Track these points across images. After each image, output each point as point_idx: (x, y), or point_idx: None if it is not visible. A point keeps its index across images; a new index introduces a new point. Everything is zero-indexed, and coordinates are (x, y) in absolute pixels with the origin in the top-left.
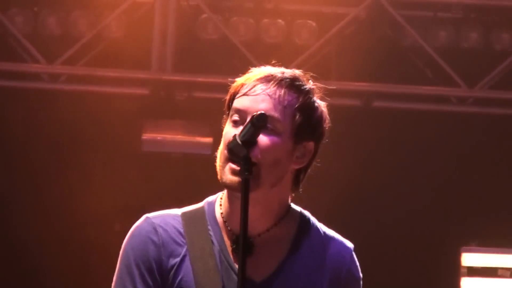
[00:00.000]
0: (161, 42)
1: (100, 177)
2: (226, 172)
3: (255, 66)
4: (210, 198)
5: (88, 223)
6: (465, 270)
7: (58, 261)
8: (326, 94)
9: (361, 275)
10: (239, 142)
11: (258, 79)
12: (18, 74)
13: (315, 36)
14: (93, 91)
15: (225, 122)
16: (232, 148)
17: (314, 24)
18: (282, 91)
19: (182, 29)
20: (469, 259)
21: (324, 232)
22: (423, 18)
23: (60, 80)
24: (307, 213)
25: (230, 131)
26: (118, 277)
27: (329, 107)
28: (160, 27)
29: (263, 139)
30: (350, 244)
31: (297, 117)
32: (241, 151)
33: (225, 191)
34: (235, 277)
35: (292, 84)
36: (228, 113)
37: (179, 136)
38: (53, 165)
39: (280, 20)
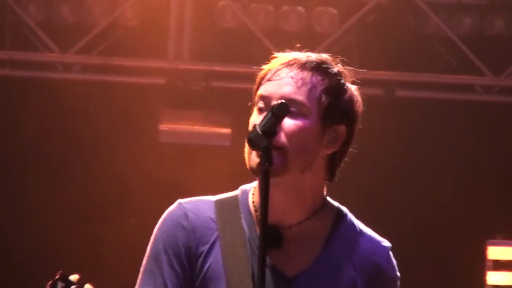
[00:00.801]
0: (177, 30)
1: (117, 169)
2: (252, 157)
3: (274, 54)
4: (245, 186)
5: (104, 215)
6: (491, 264)
7: (72, 254)
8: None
9: (398, 274)
10: (259, 132)
11: (282, 64)
12: (32, 64)
13: (336, 23)
14: (108, 81)
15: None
16: (252, 138)
17: (335, 11)
18: (306, 74)
19: (199, 16)
20: (495, 252)
21: (361, 230)
22: (447, 5)
23: (74, 70)
24: (344, 208)
25: (255, 119)
26: (146, 262)
27: None
28: (176, 14)
29: (288, 123)
30: (387, 243)
31: (323, 99)
32: (261, 142)
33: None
34: (268, 270)
35: (317, 67)
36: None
37: (196, 127)
38: (68, 156)
39: (300, 7)
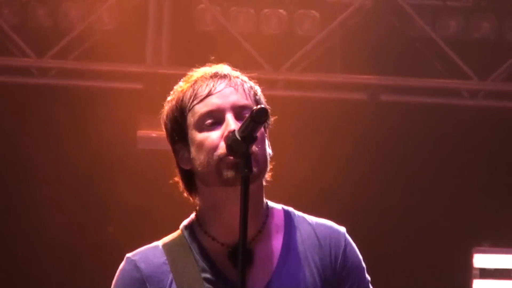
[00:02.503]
0: (156, 34)
1: (93, 176)
2: (224, 168)
3: (255, 58)
4: (185, 222)
5: (80, 223)
6: (477, 272)
7: (49, 263)
8: (331, 87)
9: (360, 257)
10: (238, 138)
11: (209, 78)
12: (6, 69)
13: (318, 27)
14: (85, 86)
15: (172, 133)
16: (231, 144)
17: (317, 14)
18: (238, 82)
19: (178, 20)
20: (481, 260)
21: (313, 221)
22: (432, 7)
23: (50, 75)
24: (289, 207)
25: (211, 135)
26: None
27: (335, 101)
28: (154, 18)
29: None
30: (342, 228)
31: (257, 100)
32: (240, 148)
33: (194, 213)
34: None
35: (238, 76)
36: (179, 123)
37: None
38: (43, 162)
39: (281, 10)
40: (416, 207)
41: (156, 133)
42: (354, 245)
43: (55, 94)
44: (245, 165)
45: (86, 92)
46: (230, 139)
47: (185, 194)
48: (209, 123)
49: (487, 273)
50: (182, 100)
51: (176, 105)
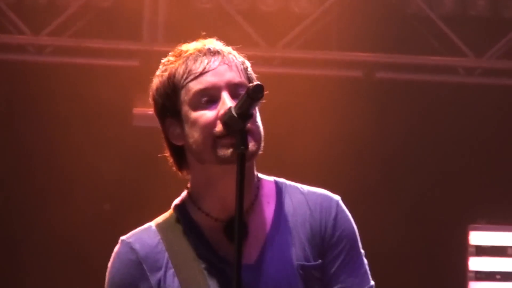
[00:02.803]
0: (152, 11)
1: (90, 154)
2: (220, 147)
3: (251, 35)
4: (177, 201)
5: (76, 200)
6: (473, 249)
7: (45, 243)
8: (327, 65)
9: (354, 226)
10: (235, 114)
11: (202, 55)
12: (2, 46)
13: (315, 4)
14: (81, 63)
15: (161, 110)
16: (227, 121)
17: None
18: (231, 58)
19: None
20: (477, 237)
21: (306, 190)
22: None
23: (46, 52)
24: (281, 179)
25: (206, 114)
26: None
27: (330, 78)
28: None
29: None
30: (335, 196)
31: (249, 75)
32: (237, 124)
33: (185, 190)
34: (228, 269)
35: (230, 51)
36: (171, 99)
37: None
38: (39, 142)
39: None
40: (411, 185)
41: (152, 111)
42: (347, 213)
43: (51, 71)
44: (242, 142)
45: (82, 70)
46: (226, 116)
47: (174, 169)
48: (204, 101)
49: (483, 250)
50: (174, 76)
51: (168, 81)
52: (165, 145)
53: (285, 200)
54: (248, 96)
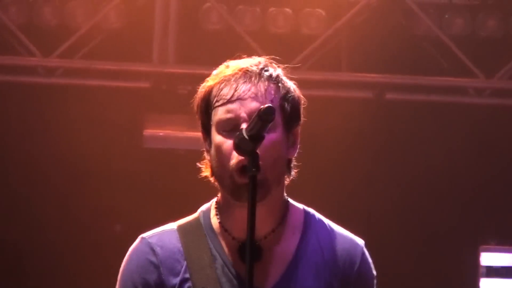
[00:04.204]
0: (162, 33)
1: (100, 176)
2: (236, 185)
3: (260, 57)
4: (204, 207)
5: (87, 223)
6: (484, 270)
7: (54, 263)
8: (337, 86)
9: (374, 272)
10: (246, 136)
11: (235, 80)
12: (12, 68)
13: (325, 25)
14: (91, 85)
15: (204, 126)
16: (238, 143)
17: (323, 12)
18: (265, 85)
19: (185, 19)
20: (488, 258)
21: (332, 229)
22: (438, 5)
23: (57, 74)
24: (311, 209)
25: (226, 142)
26: None
27: (340, 99)
28: (161, 17)
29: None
30: (360, 241)
31: (285, 105)
32: (248, 146)
33: (215, 198)
34: (241, 287)
35: (269, 76)
36: (205, 116)
37: (182, 132)
38: (50, 163)
39: (287, 9)
40: (422, 206)
41: (163, 132)
42: (370, 261)
43: (62, 93)
44: (252, 164)
45: (92, 92)
46: (237, 138)
47: (211, 180)
48: (226, 129)
49: (494, 272)
50: (209, 96)
51: (203, 98)
52: (204, 154)
53: (311, 235)
54: (259, 118)
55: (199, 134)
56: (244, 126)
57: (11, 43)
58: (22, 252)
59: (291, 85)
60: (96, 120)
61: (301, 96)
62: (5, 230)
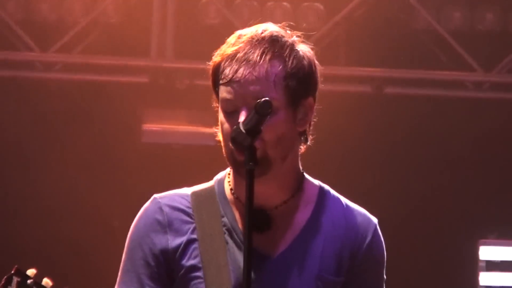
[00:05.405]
0: (160, 27)
1: (98, 170)
2: (234, 163)
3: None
4: (219, 175)
5: (85, 218)
6: (483, 264)
7: (53, 258)
8: (336, 80)
9: (385, 253)
10: (243, 130)
11: (238, 60)
12: (10, 63)
13: (323, 19)
14: (90, 80)
15: (217, 100)
16: (235, 137)
17: (321, 6)
18: (267, 66)
19: (182, 13)
20: (487, 252)
21: (347, 205)
22: None
23: (55, 69)
24: (327, 186)
25: (226, 124)
26: (123, 260)
27: (339, 93)
28: (159, 11)
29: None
30: (374, 218)
31: (289, 83)
32: (245, 140)
33: None
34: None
35: (275, 53)
36: (215, 89)
37: (180, 126)
38: (48, 158)
39: (285, 3)
40: (421, 199)
41: (161, 127)
42: (381, 239)
43: (60, 88)
44: (249, 158)
45: (90, 86)
46: (234, 131)
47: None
48: (227, 110)
49: (493, 265)
50: (217, 71)
51: (212, 73)
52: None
53: (324, 209)
54: (256, 112)
55: (197, 128)
56: (241, 119)
57: (9, 38)
58: (19, 247)
59: (303, 53)
60: (94, 115)
61: (315, 62)
62: (3, 225)
